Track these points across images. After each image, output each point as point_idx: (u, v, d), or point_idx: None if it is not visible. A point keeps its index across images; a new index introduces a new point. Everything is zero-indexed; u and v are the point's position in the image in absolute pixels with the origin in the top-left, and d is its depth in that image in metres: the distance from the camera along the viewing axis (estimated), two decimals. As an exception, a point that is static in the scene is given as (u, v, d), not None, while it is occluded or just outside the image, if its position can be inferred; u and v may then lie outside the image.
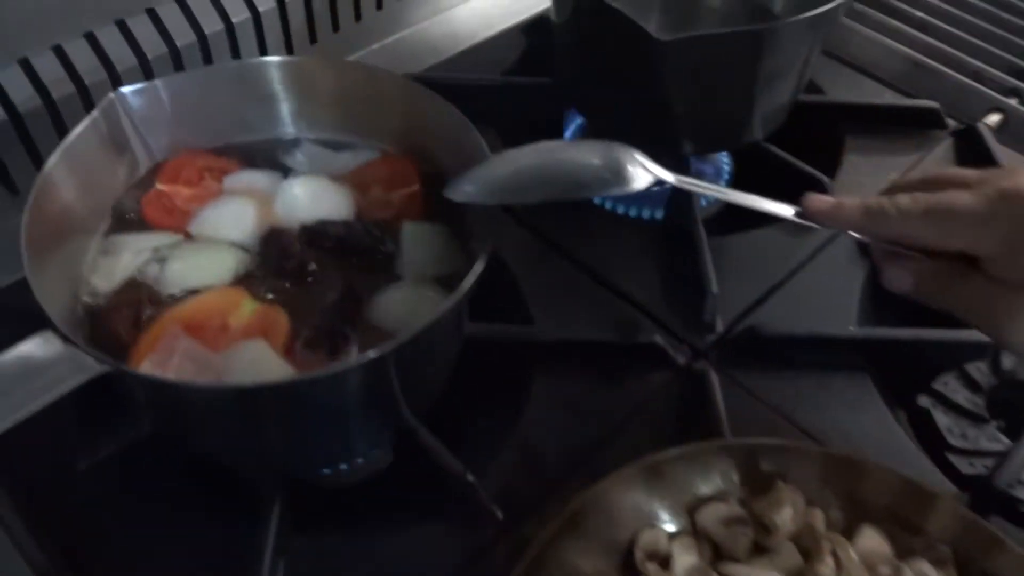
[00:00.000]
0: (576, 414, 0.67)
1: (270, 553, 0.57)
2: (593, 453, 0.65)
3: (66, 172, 0.60)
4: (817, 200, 0.55)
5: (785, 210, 0.56)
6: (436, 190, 0.61)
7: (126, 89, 0.64)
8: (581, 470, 0.64)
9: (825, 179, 0.83)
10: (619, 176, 0.58)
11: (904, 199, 0.52)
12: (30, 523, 0.60)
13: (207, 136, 0.70)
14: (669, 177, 0.59)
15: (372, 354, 0.49)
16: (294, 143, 0.71)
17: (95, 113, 0.62)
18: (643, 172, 0.58)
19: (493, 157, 0.60)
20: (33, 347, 0.46)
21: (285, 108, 0.70)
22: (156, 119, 0.67)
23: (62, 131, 0.77)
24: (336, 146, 0.72)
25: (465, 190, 0.58)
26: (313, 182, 0.68)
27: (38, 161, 0.77)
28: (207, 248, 0.63)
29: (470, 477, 0.60)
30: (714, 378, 0.68)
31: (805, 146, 0.87)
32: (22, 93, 0.75)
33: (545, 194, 0.60)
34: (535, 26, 1.02)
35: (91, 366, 0.46)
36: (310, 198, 0.66)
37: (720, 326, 0.73)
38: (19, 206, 0.79)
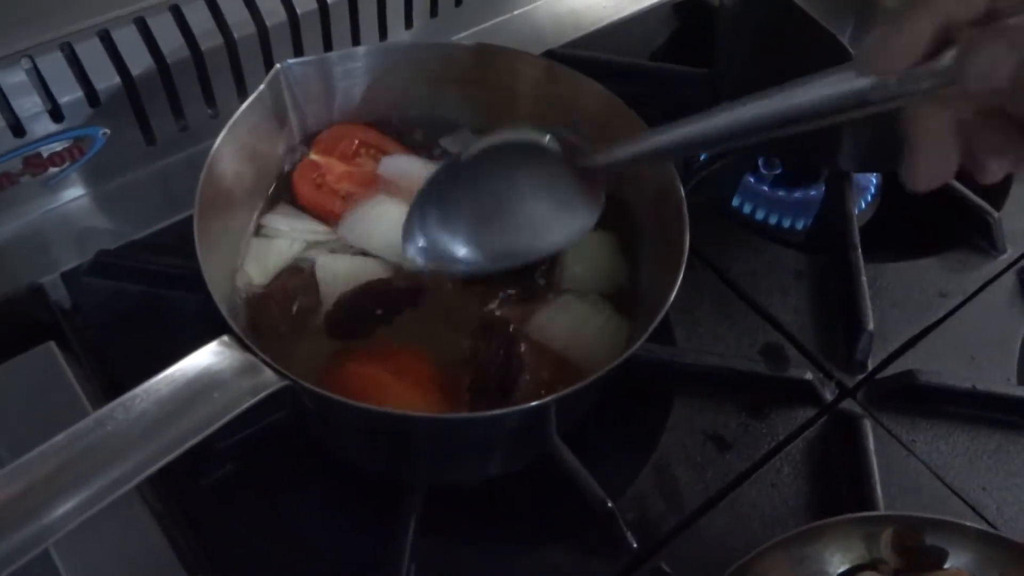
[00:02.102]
0: (716, 444, 0.65)
1: (407, 561, 0.56)
2: (733, 488, 0.63)
3: (232, 148, 0.58)
4: None
5: None
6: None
7: (292, 61, 0.61)
8: (720, 506, 0.62)
9: (993, 212, 0.78)
10: None
11: None
12: (166, 502, 0.60)
13: (362, 115, 0.67)
14: None
15: (537, 402, 0.47)
16: (451, 127, 0.68)
17: (262, 87, 0.60)
18: None
19: None
20: (212, 355, 0.45)
21: (451, 92, 0.67)
22: (316, 93, 0.64)
23: (205, 84, 0.75)
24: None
25: None
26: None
27: (179, 113, 0.75)
28: (358, 262, 0.61)
29: (610, 504, 0.59)
30: (867, 427, 0.64)
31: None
32: (171, 43, 0.72)
33: None
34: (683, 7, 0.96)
35: (271, 381, 0.45)
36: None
37: (869, 363, 0.70)
38: (154, 156, 0.78)
